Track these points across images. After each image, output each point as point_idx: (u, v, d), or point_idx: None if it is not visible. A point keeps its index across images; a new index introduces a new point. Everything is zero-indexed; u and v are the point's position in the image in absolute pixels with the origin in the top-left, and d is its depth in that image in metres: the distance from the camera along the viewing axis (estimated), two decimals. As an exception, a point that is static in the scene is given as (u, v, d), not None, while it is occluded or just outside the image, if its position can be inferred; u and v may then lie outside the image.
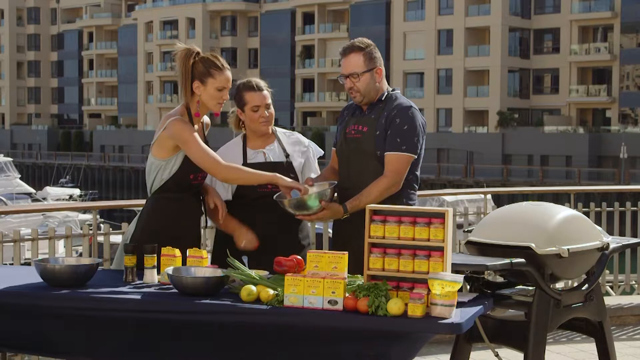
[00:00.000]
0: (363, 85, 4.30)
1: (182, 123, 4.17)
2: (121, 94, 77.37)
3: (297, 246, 4.37)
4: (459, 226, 6.70)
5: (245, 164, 4.35)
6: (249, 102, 4.38)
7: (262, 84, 4.44)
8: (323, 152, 4.68)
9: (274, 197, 4.17)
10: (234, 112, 4.49)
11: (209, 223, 5.68)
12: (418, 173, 4.38)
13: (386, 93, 4.36)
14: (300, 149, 4.52)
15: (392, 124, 4.24)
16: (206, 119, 4.48)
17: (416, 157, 4.28)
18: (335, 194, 4.26)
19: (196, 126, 4.29)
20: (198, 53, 4.24)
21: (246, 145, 4.45)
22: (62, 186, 50.97)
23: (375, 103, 4.35)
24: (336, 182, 4.26)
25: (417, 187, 4.39)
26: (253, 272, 3.67)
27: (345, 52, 4.33)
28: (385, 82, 4.39)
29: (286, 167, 4.39)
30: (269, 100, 4.42)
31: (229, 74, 4.25)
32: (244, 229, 4.31)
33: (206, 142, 4.34)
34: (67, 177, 58.45)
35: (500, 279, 4.51)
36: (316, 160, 4.58)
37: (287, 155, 4.44)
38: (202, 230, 4.52)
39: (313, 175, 4.47)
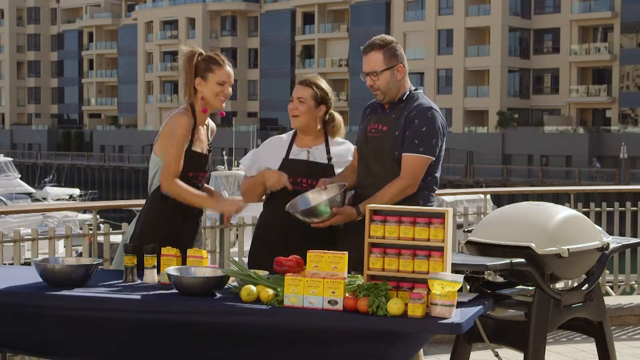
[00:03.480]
0: (383, 83, 4.24)
1: (183, 119, 4.22)
2: (121, 94, 77.40)
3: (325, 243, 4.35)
4: (459, 226, 6.70)
5: (286, 158, 4.38)
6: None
7: (311, 80, 4.44)
8: None
9: (286, 207, 4.15)
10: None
11: (209, 223, 5.69)
12: (437, 175, 4.31)
13: (408, 92, 4.29)
14: (348, 157, 4.49)
15: (411, 125, 4.18)
16: (212, 124, 4.49)
17: (434, 159, 4.22)
18: (349, 195, 4.25)
19: (201, 128, 4.32)
20: (201, 53, 4.31)
21: (294, 141, 4.46)
22: (44, 185, 50.84)
23: (396, 102, 4.29)
24: (346, 184, 4.22)
25: (435, 189, 4.32)
26: (253, 272, 3.67)
27: (365, 50, 4.29)
28: (407, 81, 4.32)
29: (325, 170, 4.38)
30: (304, 95, 4.39)
31: (229, 69, 4.29)
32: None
33: (209, 148, 4.38)
34: (51, 176, 58.36)
35: (500, 279, 4.51)
36: None
37: (330, 159, 4.43)
38: (202, 230, 4.51)
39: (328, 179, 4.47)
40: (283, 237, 4.30)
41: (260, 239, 4.43)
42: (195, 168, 4.26)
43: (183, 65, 4.30)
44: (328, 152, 4.45)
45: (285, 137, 4.52)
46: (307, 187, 4.30)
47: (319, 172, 4.35)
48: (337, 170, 4.44)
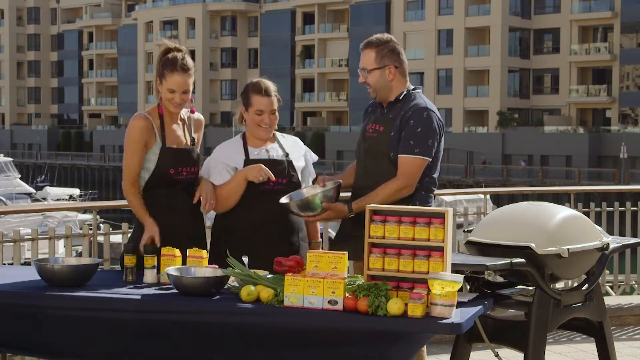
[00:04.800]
0: (372, 81, 4.26)
1: (135, 122, 4.20)
2: (121, 94, 77.39)
3: (294, 245, 4.33)
4: (459, 226, 6.70)
5: (247, 160, 4.32)
6: (253, 105, 4.31)
7: (272, 88, 4.34)
8: (317, 158, 4.61)
9: (280, 200, 4.14)
10: (239, 107, 4.44)
11: (209, 223, 5.67)
12: (435, 176, 4.30)
13: (405, 92, 4.28)
14: (299, 151, 4.48)
15: (406, 126, 4.17)
16: (197, 116, 4.46)
17: (430, 160, 4.20)
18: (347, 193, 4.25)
19: (174, 125, 4.29)
20: (168, 50, 4.26)
21: (247, 144, 4.39)
22: (36, 185, 50.87)
23: (393, 102, 4.28)
24: (340, 182, 4.23)
25: (434, 189, 4.31)
26: (253, 272, 3.67)
27: (363, 46, 4.31)
28: (404, 81, 4.30)
29: (287, 166, 4.36)
30: (275, 106, 4.33)
31: (183, 78, 4.19)
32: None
33: (192, 140, 4.36)
34: (43, 176, 58.36)
35: (500, 279, 4.51)
36: (312, 166, 4.52)
37: (287, 154, 4.39)
38: (204, 230, 4.51)
39: (310, 181, 4.47)
40: (253, 239, 4.25)
41: (223, 242, 4.30)
42: (176, 164, 4.24)
43: (155, 62, 4.30)
44: (282, 148, 4.42)
45: (234, 141, 4.43)
46: (273, 184, 4.25)
47: (282, 168, 4.31)
48: (297, 164, 4.38)
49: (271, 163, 4.31)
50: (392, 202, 4.05)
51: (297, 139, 4.55)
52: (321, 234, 4.66)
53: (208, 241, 4.50)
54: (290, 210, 4.12)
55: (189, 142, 4.34)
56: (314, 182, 4.42)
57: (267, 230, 4.25)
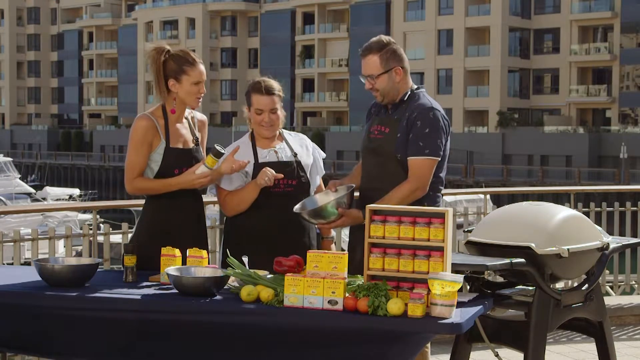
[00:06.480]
0: (381, 86, 4.23)
1: (139, 123, 4.20)
2: (121, 94, 77.38)
3: (305, 246, 4.32)
4: (459, 226, 6.70)
5: (257, 163, 4.32)
6: (253, 104, 4.31)
7: (274, 87, 4.31)
8: (325, 155, 4.62)
9: (294, 208, 4.12)
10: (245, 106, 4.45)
11: (209, 223, 5.68)
12: (443, 175, 4.29)
13: (409, 92, 4.26)
14: (307, 150, 4.48)
15: (414, 127, 4.16)
16: (200, 116, 4.47)
17: (439, 159, 4.19)
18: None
19: (178, 125, 4.29)
20: (168, 51, 4.26)
21: (255, 145, 4.38)
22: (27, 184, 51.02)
23: (397, 103, 4.27)
24: (353, 186, 4.20)
25: (441, 189, 4.30)
26: (253, 272, 3.67)
27: (363, 53, 4.25)
28: (408, 81, 4.28)
29: (295, 167, 4.35)
30: (276, 105, 4.30)
31: (202, 67, 4.25)
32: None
33: (196, 139, 4.36)
34: (33, 175, 58.39)
35: (500, 279, 4.51)
36: (321, 162, 4.52)
37: (295, 155, 4.39)
38: (205, 231, 4.50)
39: (318, 179, 4.46)
40: (264, 241, 4.25)
41: (235, 244, 4.32)
42: (180, 164, 4.24)
43: (151, 65, 4.25)
44: (292, 149, 4.41)
45: (243, 143, 4.40)
46: (284, 187, 4.27)
47: (291, 170, 4.31)
48: (305, 164, 4.39)
49: (280, 165, 4.31)
50: (406, 204, 4.01)
51: (304, 137, 4.54)
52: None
53: (209, 241, 4.50)
54: (304, 218, 4.11)
55: (193, 142, 4.34)
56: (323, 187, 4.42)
57: (278, 232, 4.25)
